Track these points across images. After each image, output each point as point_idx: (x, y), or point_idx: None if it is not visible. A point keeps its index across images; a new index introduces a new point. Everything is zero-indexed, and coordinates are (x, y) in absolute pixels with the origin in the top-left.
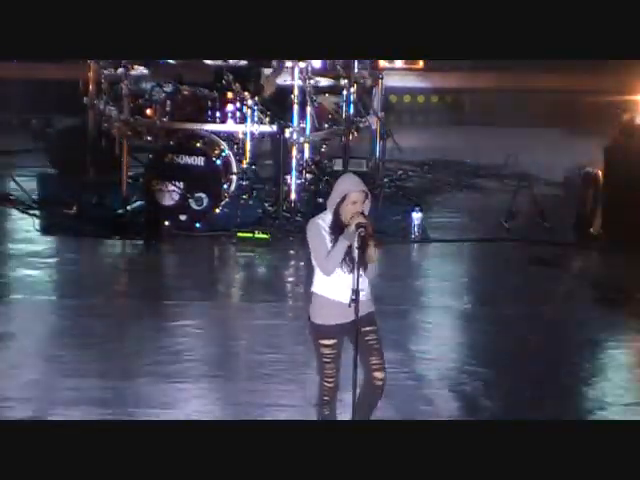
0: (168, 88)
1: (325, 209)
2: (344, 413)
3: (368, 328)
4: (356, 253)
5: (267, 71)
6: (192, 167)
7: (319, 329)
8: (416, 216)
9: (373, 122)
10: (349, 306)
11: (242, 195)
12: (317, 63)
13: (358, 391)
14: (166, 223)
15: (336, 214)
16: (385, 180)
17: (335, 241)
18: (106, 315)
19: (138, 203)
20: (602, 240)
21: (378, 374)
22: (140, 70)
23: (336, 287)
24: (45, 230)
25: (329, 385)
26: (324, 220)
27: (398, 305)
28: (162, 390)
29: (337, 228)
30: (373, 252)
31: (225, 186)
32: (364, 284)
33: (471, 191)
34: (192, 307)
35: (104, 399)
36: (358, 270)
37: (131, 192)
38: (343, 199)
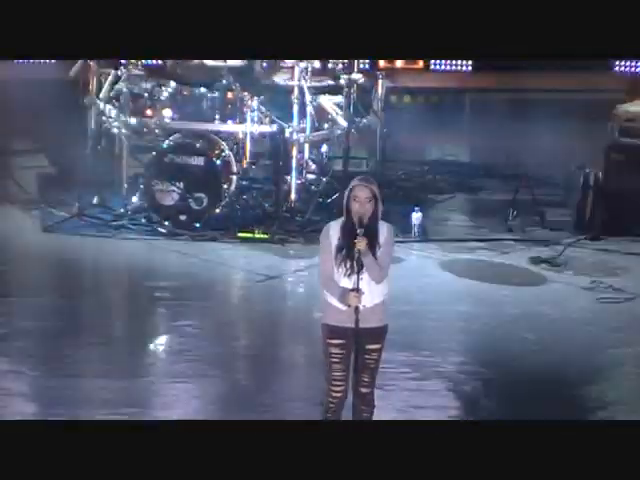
0: (168, 88)
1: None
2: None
3: (372, 346)
4: (356, 257)
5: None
6: (192, 167)
7: (327, 329)
8: (416, 216)
9: (373, 122)
10: (348, 306)
11: (242, 195)
12: (317, 63)
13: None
14: (166, 223)
15: (347, 211)
16: (385, 180)
17: (342, 242)
18: (105, 315)
19: (138, 203)
20: (602, 240)
21: (362, 389)
22: (140, 70)
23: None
24: (45, 230)
25: (337, 393)
26: (338, 221)
27: (398, 305)
28: (162, 390)
29: (347, 226)
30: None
31: (225, 186)
32: (368, 287)
33: (471, 191)
34: (192, 307)
35: (104, 399)
36: (358, 274)
37: (131, 192)
38: (349, 195)
